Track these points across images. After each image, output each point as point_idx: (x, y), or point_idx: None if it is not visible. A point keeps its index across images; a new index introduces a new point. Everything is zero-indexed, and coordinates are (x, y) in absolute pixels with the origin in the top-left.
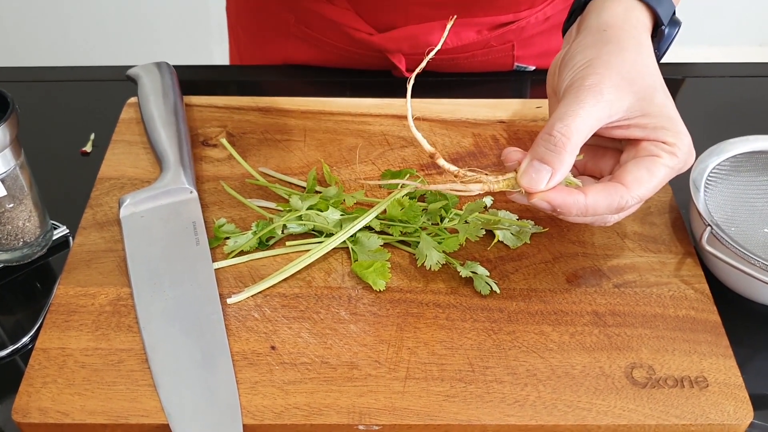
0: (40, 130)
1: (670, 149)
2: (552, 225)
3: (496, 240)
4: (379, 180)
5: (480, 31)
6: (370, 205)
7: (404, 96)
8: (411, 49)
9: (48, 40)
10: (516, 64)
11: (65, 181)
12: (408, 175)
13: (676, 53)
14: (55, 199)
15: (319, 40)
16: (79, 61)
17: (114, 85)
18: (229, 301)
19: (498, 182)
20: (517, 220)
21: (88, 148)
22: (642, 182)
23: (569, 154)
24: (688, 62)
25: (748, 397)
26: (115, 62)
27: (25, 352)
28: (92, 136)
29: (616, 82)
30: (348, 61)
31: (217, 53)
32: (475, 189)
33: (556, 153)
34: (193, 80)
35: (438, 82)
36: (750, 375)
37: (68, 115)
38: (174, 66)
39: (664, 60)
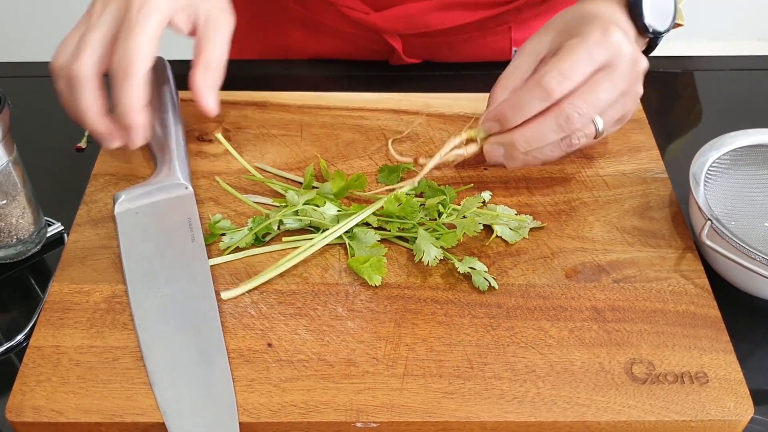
0: (34, 125)
1: (582, 32)
2: (551, 220)
3: (494, 235)
4: (376, 176)
5: (477, 11)
6: (368, 201)
7: (401, 90)
8: (407, 29)
9: (42, 35)
10: (514, 48)
11: (59, 178)
12: (405, 170)
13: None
14: (50, 196)
15: (317, 22)
16: None
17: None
18: (223, 295)
19: (462, 134)
20: (516, 215)
21: (82, 143)
22: (552, 61)
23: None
24: (688, 56)
25: (748, 392)
26: None
27: (20, 350)
28: (87, 132)
29: (544, 28)
30: (345, 44)
31: None
32: (456, 153)
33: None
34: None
35: (436, 76)
36: (750, 370)
37: (63, 110)
38: (169, 60)
39: (664, 54)
